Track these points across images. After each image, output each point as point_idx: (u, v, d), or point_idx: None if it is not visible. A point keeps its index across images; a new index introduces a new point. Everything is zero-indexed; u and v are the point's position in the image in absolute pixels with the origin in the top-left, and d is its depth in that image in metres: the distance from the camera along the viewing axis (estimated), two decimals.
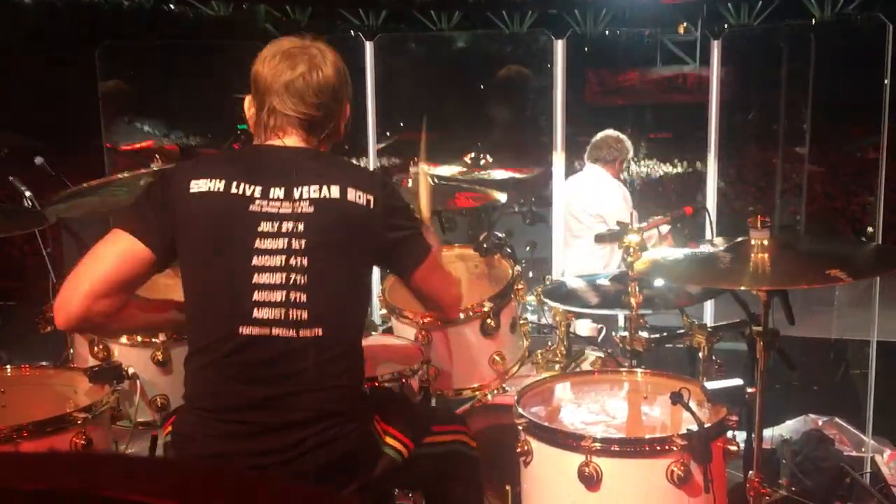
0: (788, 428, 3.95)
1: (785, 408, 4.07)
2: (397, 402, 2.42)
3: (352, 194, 1.99)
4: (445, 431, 2.35)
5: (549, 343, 3.47)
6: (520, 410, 2.31)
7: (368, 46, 4.90)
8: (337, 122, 2.12)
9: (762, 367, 2.41)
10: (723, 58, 4.51)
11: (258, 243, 1.94)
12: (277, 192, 1.97)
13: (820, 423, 4.01)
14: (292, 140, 2.07)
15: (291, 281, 1.93)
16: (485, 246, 3.13)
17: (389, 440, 2.14)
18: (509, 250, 3.18)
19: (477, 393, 3.00)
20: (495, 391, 3.01)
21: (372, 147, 5.05)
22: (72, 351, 2.96)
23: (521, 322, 3.11)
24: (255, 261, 1.93)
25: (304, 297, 1.94)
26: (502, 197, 3.72)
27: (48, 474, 0.42)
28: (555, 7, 21.29)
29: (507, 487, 2.80)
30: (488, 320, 2.89)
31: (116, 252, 1.95)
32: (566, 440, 2.19)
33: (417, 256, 2.13)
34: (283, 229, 1.94)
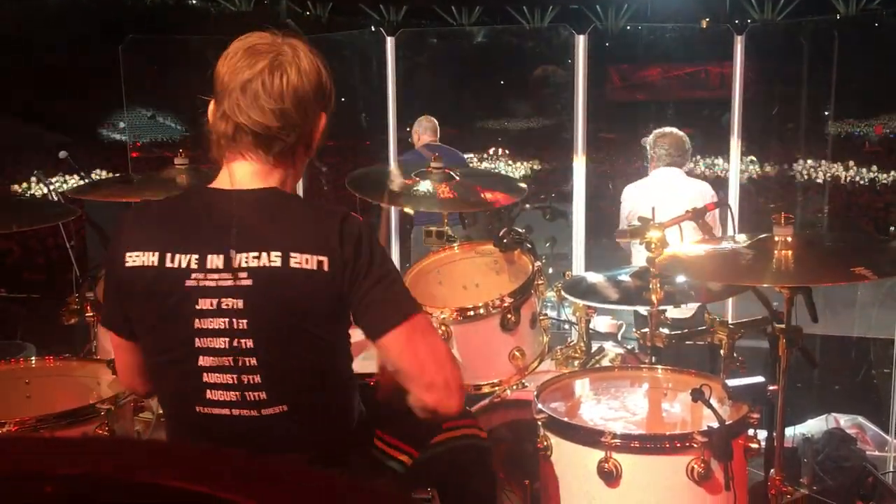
0: (810, 426, 3.92)
1: (807, 406, 4.05)
2: (399, 403, 2.13)
3: (296, 259, 1.70)
4: (455, 427, 2.26)
5: (569, 339, 3.46)
6: (539, 406, 2.31)
7: (389, 42, 4.91)
8: (301, 136, 1.79)
9: (784, 364, 2.39)
10: (746, 53, 4.48)
11: (198, 323, 1.73)
12: (216, 262, 1.72)
13: (842, 422, 3.98)
14: (244, 168, 1.78)
15: (240, 363, 1.73)
16: (505, 241, 3.12)
17: (392, 451, 2.06)
18: (529, 246, 3.17)
19: (496, 388, 2.99)
20: (515, 387, 3.00)
21: (392, 142, 5.06)
22: (95, 343, 2.99)
23: (542, 317, 3.10)
24: (198, 342, 1.74)
25: (258, 379, 1.74)
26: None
27: (82, 459, 0.43)
28: (576, 2, 21.23)
29: (526, 483, 2.80)
30: (508, 315, 2.88)
31: (114, 345, 1.96)
32: (586, 436, 2.18)
33: (393, 316, 1.75)
34: (224, 306, 1.72)
